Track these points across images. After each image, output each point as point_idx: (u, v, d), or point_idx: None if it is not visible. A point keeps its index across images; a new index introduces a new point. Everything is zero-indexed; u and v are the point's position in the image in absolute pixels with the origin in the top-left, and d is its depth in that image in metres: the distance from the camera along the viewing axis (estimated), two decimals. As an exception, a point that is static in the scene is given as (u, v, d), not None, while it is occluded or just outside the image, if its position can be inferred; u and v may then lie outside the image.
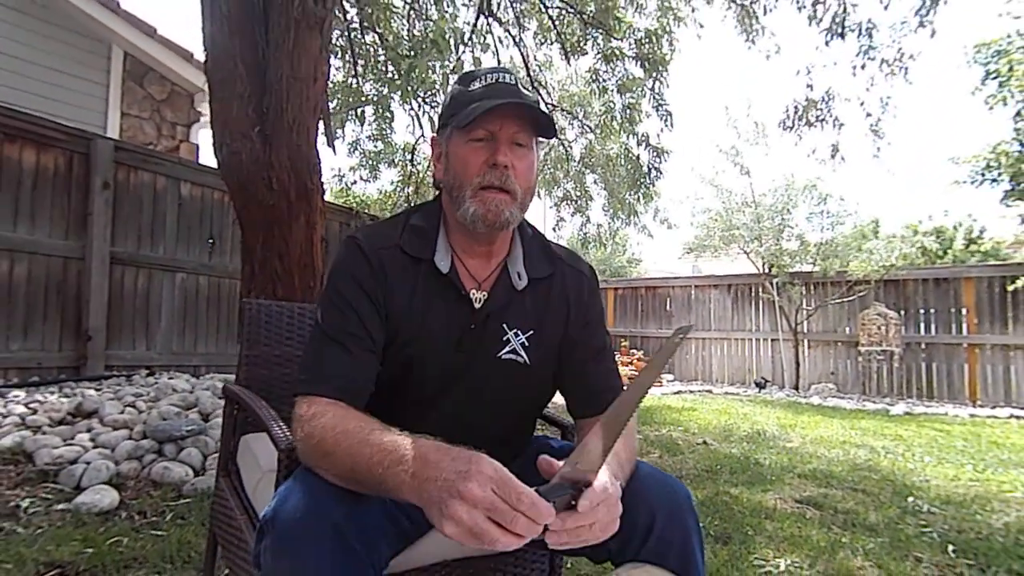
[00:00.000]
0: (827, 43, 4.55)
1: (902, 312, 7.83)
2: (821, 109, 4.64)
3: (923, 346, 7.71)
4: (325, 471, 0.78)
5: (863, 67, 4.67)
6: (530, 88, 6.61)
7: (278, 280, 2.63)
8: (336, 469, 0.77)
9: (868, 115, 4.87)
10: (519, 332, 1.00)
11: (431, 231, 1.01)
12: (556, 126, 1.01)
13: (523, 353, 0.99)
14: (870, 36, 4.58)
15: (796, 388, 8.32)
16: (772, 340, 8.79)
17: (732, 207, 9.14)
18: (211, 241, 4.91)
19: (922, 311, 7.81)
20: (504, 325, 0.99)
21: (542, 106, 0.96)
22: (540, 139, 0.99)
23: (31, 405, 2.82)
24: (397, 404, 0.99)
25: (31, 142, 3.84)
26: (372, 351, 0.93)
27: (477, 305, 0.99)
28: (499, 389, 1.00)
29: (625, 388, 0.87)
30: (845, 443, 4.13)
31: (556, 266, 1.06)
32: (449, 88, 1.04)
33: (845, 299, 8.16)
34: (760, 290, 8.92)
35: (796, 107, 4.75)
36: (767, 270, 8.81)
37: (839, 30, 4.50)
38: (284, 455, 0.95)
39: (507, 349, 0.99)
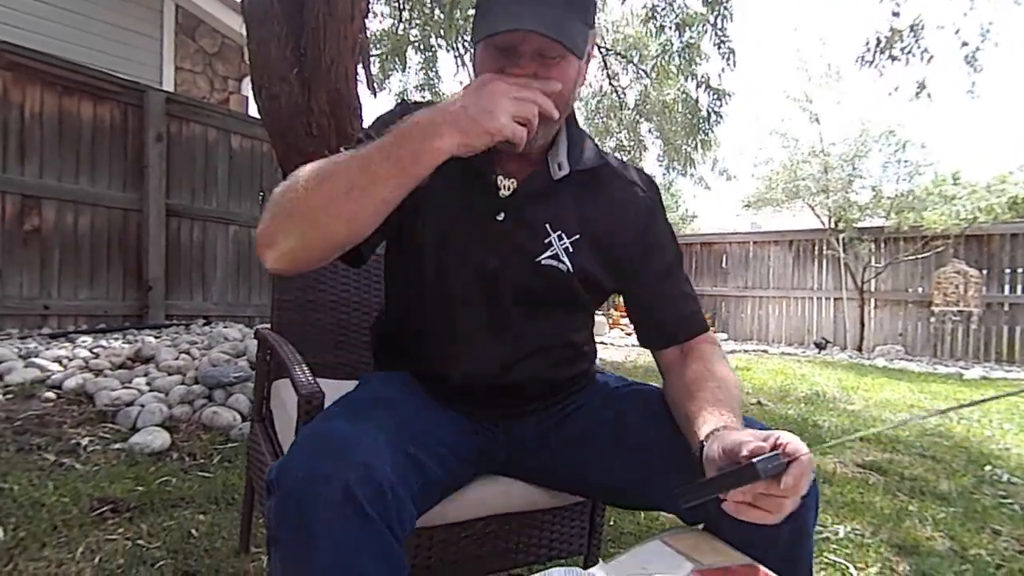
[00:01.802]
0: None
1: (984, 271, 7.22)
2: (908, 40, 4.14)
3: (1006, 307, 7.12)
4: (298, 222, 0.73)
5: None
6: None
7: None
8: (307, 206, 0.72)
9: (964, 44, 4.31)
10: (563, 235, 0.89)
11: None
12: (591, 30, 0.84)
13: (566, 260, 0.89)
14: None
15: (859, 349, 7.91)
16: (835, 299, 8.33)
17: (798, 157, 8.56)
18: (262, 194, 4.98)
19: (1008, 270, 7.18)
20: (547, 225, 0.89)
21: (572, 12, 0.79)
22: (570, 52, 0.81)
23: (95, 350, 2.96)
24: (436, 309, 0.92)
25: (88, 95, 3.93)
26: None
27: (504, 193, 0.89)
28: (542, 299, 0.91)
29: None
30: (913, 407, 3.87)
31: (608, 163, 0.95)
32: None
33: (919, 256, 7.59)
34: (824, 246, 8.41)
35: (879, 38, 4.25)
36: (833, 225, 8.28)
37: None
38: (304, 400, 0.90)
39: (548, 253, 0.89)
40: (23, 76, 3.64)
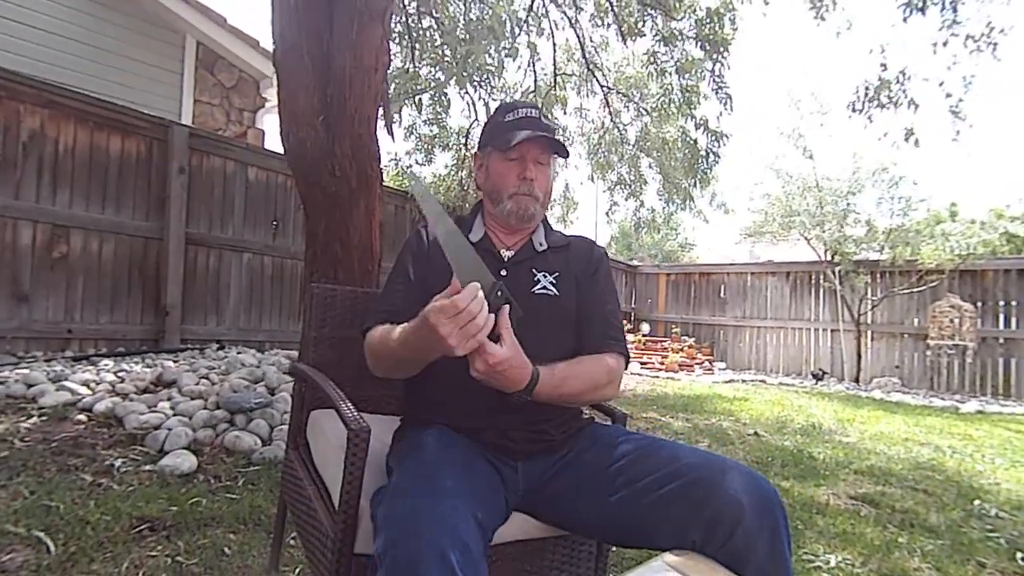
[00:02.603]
0: (905, 19, 4.27)
1: (979, 304, 7.37)
2: (895, 90, 4.36)
3: (1001, 341, 7.25)
4: (383, 370, 1.17)
5: (945, 44, 4.35)
6: (586, 71, 6.52)
7: (339, 263, 2.75)
8: (385, 363, 1.15)
9: (948, 95, 4.54)
10: (547, 274, 1.28)
11: (471, 219, 1.37)
12: (567, 150, 1.33)
13: (553, 288, 1.27)
14: (955, 10, 4.26)
15: (856, 381, 8.00)
16: (832, 330, 8.45)
17: (793, 191, 8.78)
18: (275, 223, 5.15)
19: (1002, 303, 7.33)
20: (532, 270, 1.28)
21: (559, 136, 1.23)
22: (556, 156, 1.34)
23: (119, 374, 3.08)
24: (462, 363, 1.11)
25: (117, 130, 4.13)
26: (415, 290, 1.22)
27: (506, 257, 1.30)
28: (541, 320, 1.20)
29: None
30: (908, 440, 3.96)
31: (572, 241, 1.39)
32: (488, 118, 1.44)
33: (915, 289, 7.74)
34: (821, 278, 8.57)
35: (867, 88, 4.48)
36: (829, 257, 8.45)
37: (920, 4, 4.21)
38: (353, 435, 1.02)
39: (539, 286, 1.26)
40: (59, 112, 3.84)
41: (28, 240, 3.71)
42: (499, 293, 0.97)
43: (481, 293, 0.92)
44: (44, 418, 2.37)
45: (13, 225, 3.65)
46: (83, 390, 2.69)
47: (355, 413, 1.06)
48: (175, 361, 3.60)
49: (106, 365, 3.36)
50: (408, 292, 1.25)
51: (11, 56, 4.92)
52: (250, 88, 6.95)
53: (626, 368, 1.28)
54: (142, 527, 1.66)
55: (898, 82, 4.32)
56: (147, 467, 2.08)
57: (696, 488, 0.94)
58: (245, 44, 6.53)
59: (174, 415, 2.49)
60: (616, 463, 1.06)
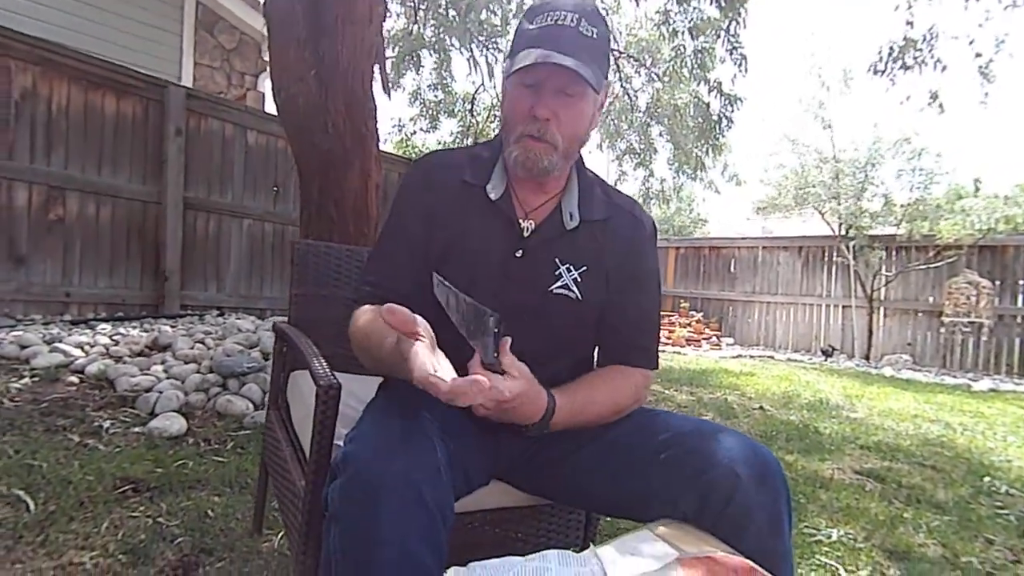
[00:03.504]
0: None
1: (997, 282, 7.18)
2: (921, 49, 4.13)
3: (1019, 319, 7.08)
4: (366, 364, 0.96)
5: (978, -1, 4.09)
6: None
7: (333, 226, 2.68)
8: (366, 362, 0.96)
9: (978, 55, 4.29)
10: (571, 268, 1.02)
11: (490, 161, 1.05)
12: (605, 80, 0.99)
13: (575, 289, 1.01)
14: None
15: (867, 358, 7.89)
16: (844, 307, 8.31)
17: (809, 163, 8.54)
18: (276, 189, 5.07)
19: (1021, 281, 7.13)
20: (556, 260, 1.01)
21: (593, 54, 0.93)
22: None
23: (114, 337, 3.06)
24: (457, 337, 0.98)
25: (112, 89, 4.03)
26: (412, 254, 1.02)
27: (525, 233, 1.02)
28: (555, 325, 1.02)
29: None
30: (917, 417, 3.89)
31: (614, 211, 1.07)
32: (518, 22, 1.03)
33: (931, 265, 7.55)
34: (834, 253, 8.39)
35: (892, 48, 4.24)
36: (843, 232, 8.25)
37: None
38: (322, 391, 0.96)
39: (559, 284, 1.01)
40: (52, 71, 3.74)
41: (23, 202, 3.65)
42: (497, 330, 0.82)
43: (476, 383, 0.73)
44: (36, 379, 2.35)
45: (8, 186, 3.59)
46: (76, 352, 2.66)
47: (326, 370, 1.00)
48: (172, 326, 3.57)
49: (103, 329, 3.33)
50: (405, 255, 1.02)
51: (6, 14, 4.79)
52: (251, 51, 6.79)
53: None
54: (125, 488, 1.62)
55: (925, 40, 4.08)
56: (136, 429, 2.05)
57: (690, 457, 0.87)
58: (246, 4, 6.36)
59: (167, 378, 2.45)
60: (603, 434, 0.99)
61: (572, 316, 1.02)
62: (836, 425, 3.42)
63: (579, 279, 1.01)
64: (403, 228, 1.04)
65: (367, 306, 0.99)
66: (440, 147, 7.56)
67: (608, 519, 1.77)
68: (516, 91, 0.96)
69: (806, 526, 1.92)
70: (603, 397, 0.99)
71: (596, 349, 1.11)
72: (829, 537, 1.84)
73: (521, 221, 1.02)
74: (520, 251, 1.00)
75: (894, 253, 7.94)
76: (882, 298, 7.95)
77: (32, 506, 1.45)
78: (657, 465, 0.90)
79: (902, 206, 7.87)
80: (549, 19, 0.92)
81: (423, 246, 1.01)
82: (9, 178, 3.59)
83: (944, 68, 4.15)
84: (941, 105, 4.43)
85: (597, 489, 0.98)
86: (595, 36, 0.93)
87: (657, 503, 0.90)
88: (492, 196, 1.01)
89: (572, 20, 0.91)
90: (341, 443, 0.94)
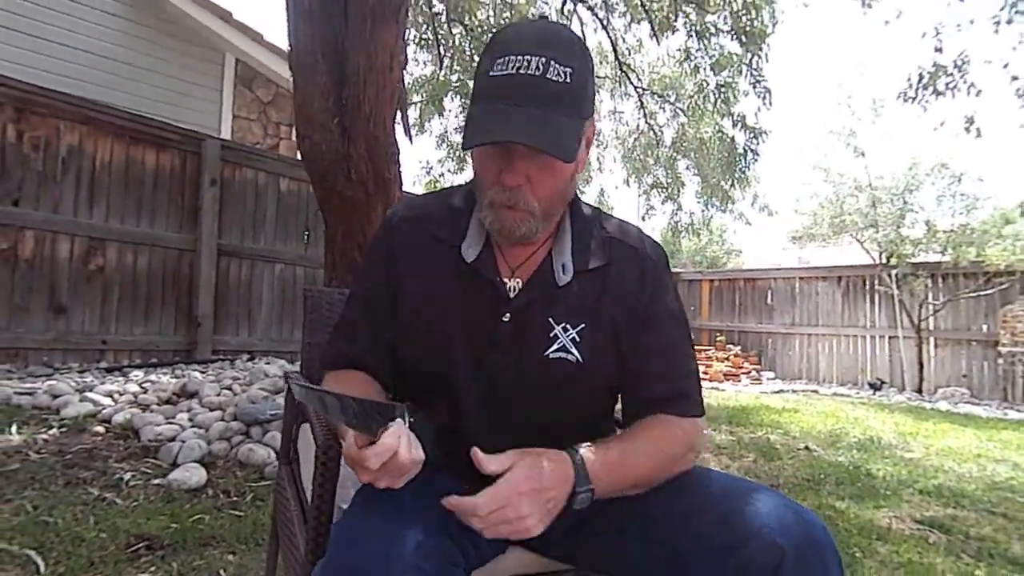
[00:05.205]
0: (962, -2, 3.94)
1: (1057, 308, 6.76)
2: (952, 75, 4.01)
3: (1083, 348, 6.61)
4: None
5: (1009, 22, 3.98)
6: (619, 72, 6.33)
7: (357, 269, 2.67)
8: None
9: (1014, 79, 4.15)
10: (568, 327, 0.88)
11: (465, 212, 0.93)
12: (587, 118, 0.84)
13: (574, 350, 0.87)
14: (1019, -17, 3.90)
15: (919, 391, 7.45)
16: (890, 337, 7.92)
17: (843, 192, 8.33)
18: (307, 233, 5.17)
19: (1083, 307, 6.69)
20: (550, 320, 0.88)
21: (568, 99, 0.79)
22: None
23: (144, 384, 3.09)
24: (443, 408, 0.90)
25: (151, 144, 4.22)
26: (375, 327, 0.94)
27: (511, 294, 0.89)
28: (556, 394, 0.89)
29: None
30: (980, 456, 3.60)
31: (615, 253, 0.93)
32: (486, 46, 0.87)
33: (982, 292, 7.17)
34: (876, 282, 8.06)
35: (921, 74, 4.14)
36: (884, 260, 7.94)
37: (979, -20, 3.87)
38: (321, 451, 0.90)
39: (555, 347, 0.87)
40: (97, 129, 3.95)
41: (66, 253, 3.80)
42: (411, 421, 0.73)
43: (398, 444, 0.68)
44: (63, 429, 2.36)
45: (52, 239, 3.74)
46: (106, 401, 2.69)
47: (326, 425, 0.94)
48: (203, 372, 3.60)
49: (135, 376, 3.38)
50: (368, 327, 0.94)
51: (59, 78, 5.09)
52: (286, 102, 7.06)
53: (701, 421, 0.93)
54: (139, 545, 1.58)
55: (956, 67, 3.96)
56: (156, 481, 2.02)
57: (722, 526, 0.76)
58: (281, 59, 6.62)
59: (191, 426, 2.45)
60: (625, 497, 0.87)
61: (575, 381, 0.88)
62: (890, 466, 3.19)
63: (578, 338, 0.88)
64: (366, 299, 0.96)
65: (337, 372, 0.95)
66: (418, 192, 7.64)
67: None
68: (480, 153, 0.83)
69: (864, 586, 1.75)
70: (646, 446, 0.84)
71: (621, 414, 0.97)
72: (891, 599, 1.67)
73: (506, 281, 0.89)
74: (507, 315, 0.88)
75: (940, 281, 7.58)
76: (931, 327, 7.56)
77: (42, 567, 1.42)
78: (685, 532, 0.80)
79: (945, 232, 7.55)
80: (511, 65, 0.77)
81: (386, 319, 0.93)
82: (54, 231, 3.75)
83: (979, 92, 4.01)
84: (978, 130, 4.27)
85: (623, 555, 0.89)
86: (568, 79, 0.78)
87: (687, 574, 0.80)
88: (468, 258, 0.89)
89: (538, 67, 0.76)
90: (346, 506, 0.89)
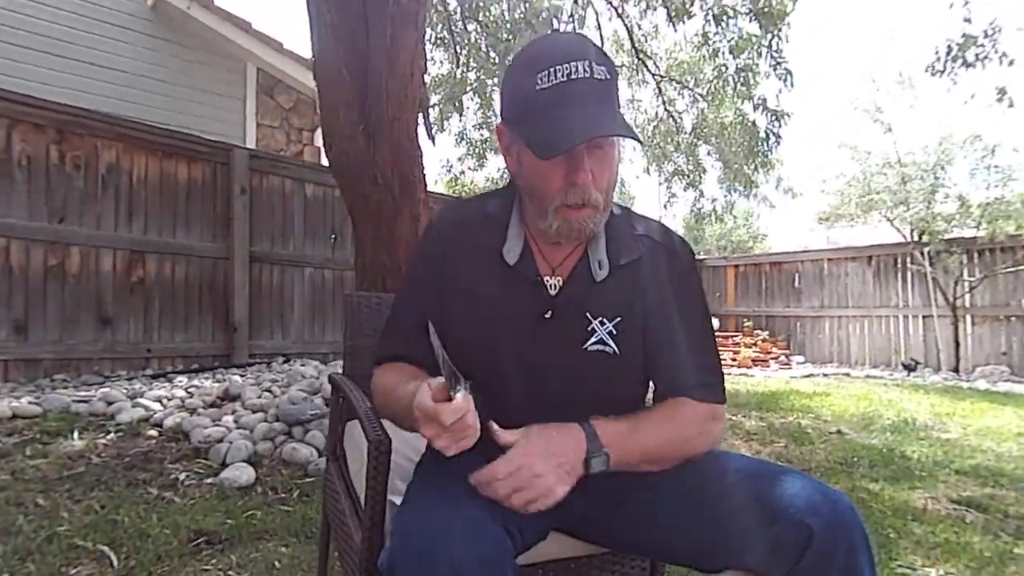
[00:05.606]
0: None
1: (1100, 280, 6.54)
2: (983, 45, 3.89)
3: None
4: (386, 418, 0.99)
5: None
6: (636, 60, 6.29)
7: (387, 272, 2.75)
8: (388, 416, 0.98)
9: (1048, 45, 4.00)
10: (605, 320, 0.95)
11: (503, 219, 1.00)
12: (634, 131, 0.90)
13: (611, 342, 0.94)
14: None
15: (956, 371, 7.29)
16: (924, 316, 7.75)
17: (871, 169, 8.14)
18: (333, 237, 5.29)
19: None
20: (587, 314, 0.95)
21: (612, 94, 0.88)
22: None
23: (189, 389, 3.23)
24: (488, 402, 0.92)
25: (183, 157, 4.37)
26: (425, 326, 0.98)
27: (552, 292, 0.96)
28: (594, 384, 0.96)
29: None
30: (1021, 435, 3.54)
31: (646, 248, 1.00)
32: (510, 69, 0.95)
33: (1020, 267, 6.96)
34: (908, 260, 7.88)
35: (950, 46, 4.03)
36: (916, 237, 7.76)
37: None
38: (372, 446, 0.97)
39: (594, 340, 0.94)
40: (131, 146, 4.11)
41: (109, 267, 3.97)
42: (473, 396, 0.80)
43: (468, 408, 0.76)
44: (120, 434, 2.50)
45: (96, 254, 3.92)
46: (156, 406, 2.83)
47: (376, 422, 1.01)
48: (242, 375, 3.74)
49: (180, 381, 3.53)
50: (419, 326, 0.96)
51: (93, 97, 5.30)
52: (307, 108, 7.20)
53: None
54: (199, 540, 1.69)
55: (987, 36, 3.85)
56: (208, 480, 2.14)
57: (754, 506, 0.81)
58: (300, 66, 6.76)
59: (236, 428, 2.56)
60: (660, 479, 0.93)
61: (612, 372, 0.95)
62: (926, 448, 3.16)
63: (614, 331, 0.94)
64: (417, 298, 1.03)
65: (389, 365, 1.03)
66: (488, 184, 7.71)
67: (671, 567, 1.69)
68: (549, 163, 0.87)
69: (899, 564, 1.76)
70: (661, 425, 0.91)
71: (648, 400, 1.04)
72: (927, 578, 1.68)
73: (547, 279, 0.96)
74: (549, 311, 0.95)
75: (976, 256, 7.38)
76: (967, 305, 7.38)
77: (115, 561, 1.53)
78: (719, 513, 0.85)
79: (979, 206, 7.34)
80: (560, 74, 0.83)
81: (437, 317, 0.96)
82: (97, 246, 3.92)
83: (1012, 62, 3.88)
84: (1011, 100, 4.14)
85: (657, 537, 0.94)
86: (608, 75, 0.86)
87: (722, 554, 0.84)
88: (509, 260, 0.96)
89: (584, 69, 0.83)
90: (397, 498, 0.95)
